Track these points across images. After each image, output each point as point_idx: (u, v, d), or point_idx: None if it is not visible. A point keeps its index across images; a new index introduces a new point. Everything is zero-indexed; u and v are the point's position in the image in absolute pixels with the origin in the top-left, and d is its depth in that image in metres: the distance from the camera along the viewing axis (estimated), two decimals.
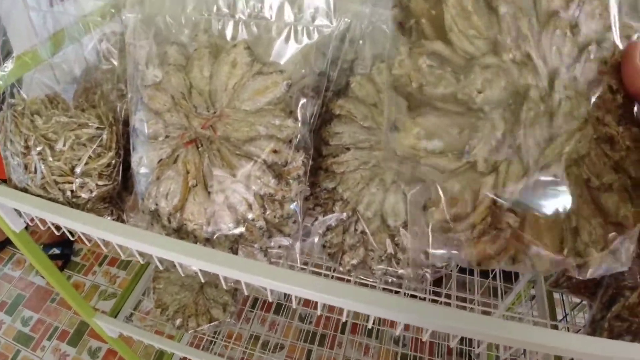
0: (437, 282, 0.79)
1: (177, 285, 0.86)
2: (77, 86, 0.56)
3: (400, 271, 0.54)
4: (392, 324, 1.29)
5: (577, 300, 0.82)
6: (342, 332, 1.19)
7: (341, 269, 0.56)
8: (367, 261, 0.55)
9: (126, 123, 0.55)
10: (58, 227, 0.61)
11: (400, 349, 1.21)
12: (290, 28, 0.46)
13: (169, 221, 0.50)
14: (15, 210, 0.61)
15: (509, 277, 0.96)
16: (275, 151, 0.46)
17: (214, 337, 1.01)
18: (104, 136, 0.54)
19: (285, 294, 0.47)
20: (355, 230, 0.53)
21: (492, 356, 1.08)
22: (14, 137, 0.55)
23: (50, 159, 0.54)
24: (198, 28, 0.50)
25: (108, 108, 0.55)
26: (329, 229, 0.55)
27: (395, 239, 0.52)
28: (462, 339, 1.12)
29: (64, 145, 0.54)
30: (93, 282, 1.45)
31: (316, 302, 0.46)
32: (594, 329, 0.52)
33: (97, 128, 0.54)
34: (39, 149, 0.54)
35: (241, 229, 0.48)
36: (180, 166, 0.48)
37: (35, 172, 0.55)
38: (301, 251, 0.54)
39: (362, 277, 0.56)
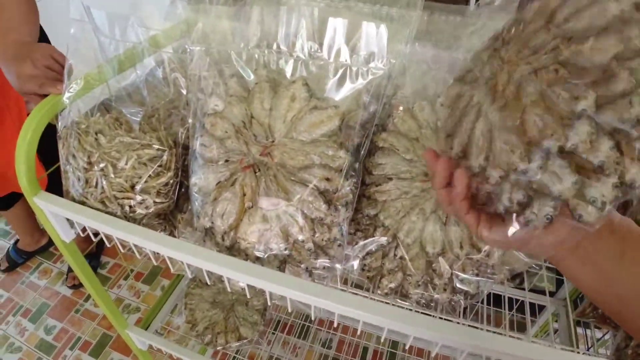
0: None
1: (208, 302, 0.89)
2: (143, 109, 0.61)
3: (436, 296, 0.56)
4: (419, 353, 1.29)
5: (599, 335, 0.83)
6: (363, 358, 1.20)
7: (379, 292, 0.59)
8: (404, 285, 0.58)
9: (184, 147, 0.59)
10: (109, 239, 0.65)
11: None
12: (345, 69, 0.51)
13: (223, 239, 0.54)
14: (68, 220, 0.66)
15: (534, 311, 0.97)
16: (327, 179, 0.49)
17: (235, 355, 1.03)
18: (165, 157, 0.58)
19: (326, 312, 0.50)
20: (395, 255, 0.56)
21: None
22: (77, 153, 0.60)
23: (112, 175, 0.58)
24: (258, 63, 0.55)
25: (168, 132, 0.60)
26: (368, 253, 0.58)
27: (433, 265, 0.55)
28: None
29: (126, 163, 0.58)
30: (118, 295, 1.48)
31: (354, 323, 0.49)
32: (619, 357, 0.53)
33: (158, 149, 0.59)
34: (101, 165, 0.59)
35: (291, 250, 0.51)
36: (238, 189, 0.52)
37: (96, 186, 0.59)
38: (342, 273, 0.57)
39: (399, 300, 0.59)
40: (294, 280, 0.49)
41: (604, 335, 0.82)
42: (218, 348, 0.85)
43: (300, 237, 0.50)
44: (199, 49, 0.57)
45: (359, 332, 0.55)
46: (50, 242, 1.61)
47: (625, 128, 0.29)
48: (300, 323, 1.25)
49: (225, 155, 0.53)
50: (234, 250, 0.54)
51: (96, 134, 0.61)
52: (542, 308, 0.98)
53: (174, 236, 0.63)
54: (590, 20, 0.31)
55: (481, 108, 0.37)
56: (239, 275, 0.50)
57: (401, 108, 0.58)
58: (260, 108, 0.52)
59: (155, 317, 0.92)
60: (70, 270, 1.57)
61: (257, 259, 0.53)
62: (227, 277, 0.54)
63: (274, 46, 0.54)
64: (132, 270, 1.57)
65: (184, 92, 0.56)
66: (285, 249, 0.51)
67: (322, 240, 0.51)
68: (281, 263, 0.53)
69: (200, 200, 0.55)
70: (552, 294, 0.95)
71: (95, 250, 1.59)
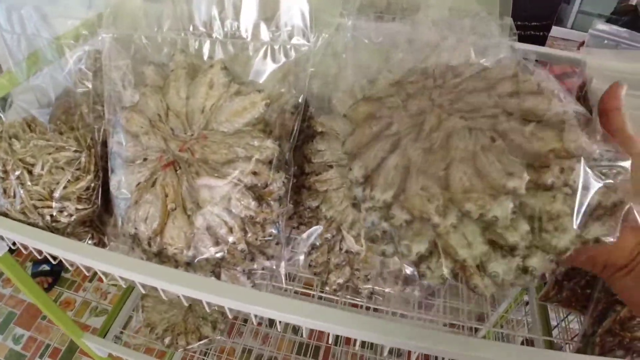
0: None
1: (165, 303, 0.85)
2: (53, 109, 0.55)
3: (387, 290, 0.53)
4: None
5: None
6: (336, 344, 1.18)
7: (327, 288, 0.55)
8: (353, 280, 0.54)
9: (105, 144, 0.54)
10: (40, 251, 0.60)
11: None
12: (267, 47, 0.46)
13: (149, 245, 0.49)
14: None
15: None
16: (254, 173, 0.45)
17: (206, 351, 1.00)
18: (82, 159, 0.53)
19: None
20: (340, 249, 0.52)
21: None
22: None
23: (29, 183, 0.53)
24: (175, 47, 0.49)
25: (86, 130, 0.54)
26: (313, 248, 0.54)
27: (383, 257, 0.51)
28: None
29: (42, 169, 0.53)
30: (84, 298, 1.43)
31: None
32: (586, 344, 0.51)
33: (75, 151, 0.53)
34: (17, 173, 0.53)
35: (222, 253, 0.47)
36: (159, 189, 0.47)
37: (15, 196, 0.53)
38: (287, 271, 0.53)
39: (349, 297, 0.55)
40: (226, 287, 0.44)
41: (567, 315, 0.80)
42: (179, 350, 0.81)
43: (231, 239, 0.46)
44: (110, 36, 0.50)
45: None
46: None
47: (543, 219, 0.30)
48: None
49: (143, 153, 0.48)
50: (162, 256, 0.49)
51: (10, 138, 0.55)
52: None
53: (104, 243, 0.58)
54: (534, 105, 0.33)
55: (400, 141, 0.35)
56: (169, 285, 0.45)
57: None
58: (177, 98, 0.46)
59: (113, 323, 0.88)
60: (33, 276, 1.51)
61: (188, 265, 0.48)
62: (160, 287, 0.49)
63: (190, 27, 0.48)
64: (96, 273, 1.52)
65: (90, 85, 0.50)
66: (217, 253, 0.47)
67: (257, 240, 0.47)
68: (214, 267, 0.49)
69: (122, 204, 0.50)
70: None
71: None
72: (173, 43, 0.49)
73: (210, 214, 0.45)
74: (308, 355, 1.13)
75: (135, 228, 0.48)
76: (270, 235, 0.47)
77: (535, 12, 0.95)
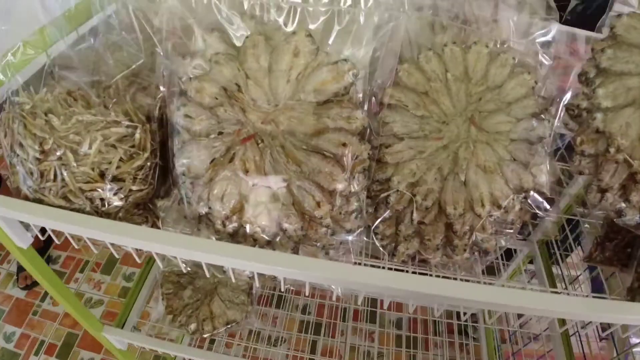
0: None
1: (188, 289, 0.81)
2: (100, 78, 0.50)
3: (456, 257, 0.54)
4: (398, 308, 1.31)
5: (573, 274, 0.88)
6: (344, 320, 1.19)
7: (395, 260, 0.55)
8: (421, 251, 0.54)
9: (160, 120, 0.49)
10: (77, 239, 0.55)
11: (404, 332, 1.24)
12: (352, 14, 0.44)
13: (224, 225, 0.46)
14: (22, 223, 0.54)
15: (509, 255, 1.00)
16: (344, 144, 0.43)
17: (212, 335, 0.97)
18: (137, 135, 0.48)
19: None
20: (412, 221, 0.52)
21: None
22: (24, 141, 0.48)
23: (74, 164, 0.47)
24: (243, 13, 0.46)
25: (135, 104, 0.50)
26: (382, 220, 0.54)
27: (454, 227, 0.51)
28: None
29: (90, 147, 0.48)
30: (77, 290, 1.34)
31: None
32: (633, 296, 0.55)
33: (129, 126, 0.49)
34: (59, 153, 0.47)
35: (305, 230, 0.45)
36: (238, 165, 0.44)
37: (55, 179, 0.48)
38: (354, 246, 0.53)
39: (418, 267, 0.56)
40: (314, 263, 0.43)
41: (579, 275, 0.86)
42: (205, 335, 0.79)
43: (318, 213, 0.44)
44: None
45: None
46: None
47: None
48: (275, 294, 1.21)
49: (217, 127, 0.45)
50: (238, 236, 0.47)
51: (46, 114, 0.49)
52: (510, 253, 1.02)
53: (158, 227, 0.54)
54: None
55: None
56: (251, 264, 0.43)
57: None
58: (257, 67, 0.44)
59: (130, 312, 0.83)
60: (20, 270, 1.38)
61: (268, 243, 0.47)
62: (231, 267, 0.47)
63: None
64: (87, 262, 1.42)
65: (159, 51, 0.46)
66: (302, 228, 0.45)
67: (340, 214, 0.46)
68: (296, 244, 0.48)
69: (189, 184, 0.47)
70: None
71: (42, 243, 1.41)
72: (243, 8, 0.46)
73: (298, 188, 0.44)
74: (319, 334, 1.13)
75: (209, 207, 0.46)
76: (354, 210, 0.47)
77: None
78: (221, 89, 0.44)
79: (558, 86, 0.55)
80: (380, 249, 0.54)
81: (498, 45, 0.53)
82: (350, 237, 0.49)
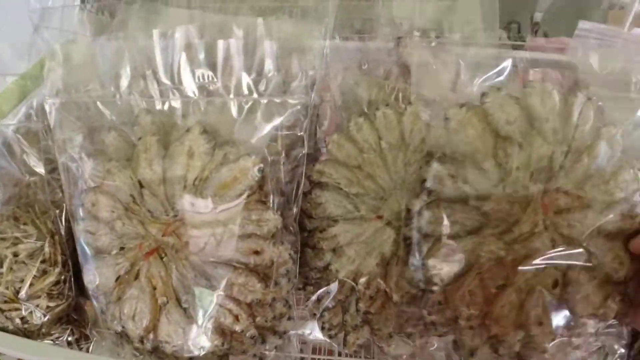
0: None
1: None
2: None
3: (412, 343, 0.48)
4: None
5: None
6: None
7: (346, 350, 0.49)
8: (375, 340, 0.49)
9: (71, 229, 0.46)
10: None
11: None
12: (253, 104, 0.39)
13: (142, 342, 0.42)
14: None
15: None
16: (256, 252, 0.38)
17: None
18: (46, 249, 0.45)
19: None
20: (358, 310, 0.46)
21: None
22: None
23: None
24: (139, 108, 0.42)
25: (42, 213, 0.46)
26: (325, 310, 0.48)
27: (404, 313, 0.46)
28: None
29: (1, 266, 0.45)
30: None
31: None
32: None
33: (36, 240, 0.45)
34: None
35: (229, 343, 0.41)
36: (144, 282, 0.40)
37: None
38: (299, 340, 0.48)
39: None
40: None
41: None
42: None
43: (238, 328, 0.40)
44: (58, 101, 0.42)
45: None
46: None
47: None
48: None
49: (118, 242, 0.40)
50: (159, 352, 0.42)
51: None
52: None
53: (86, 337, 0.50)
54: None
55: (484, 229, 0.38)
56: None
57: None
58: (151, 173, 0.39)
59: None
60: None
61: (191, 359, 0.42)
62: None
63: (154, 85, 0.41)
64: None
65: (41, 170, 0.42)
66: (223, 344, 0.40)
67: (267, 322, 0.41)
68: (222, 358, 0.43)
69: (102, 300, 0.43)
70: None
71: None
72: (136, 103, 0.42)
73: (211, 304, 0.39)
74: None
75: (123, 327, 0.41)
76: (281, 314, 0.42)
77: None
78: (117, 201, 0.40)
79: None
80: (327, 339, 0.49)
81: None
82: (281, 341, 0.43)
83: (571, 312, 0.35)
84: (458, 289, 0.36)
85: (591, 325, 0.36)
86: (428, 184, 0.38)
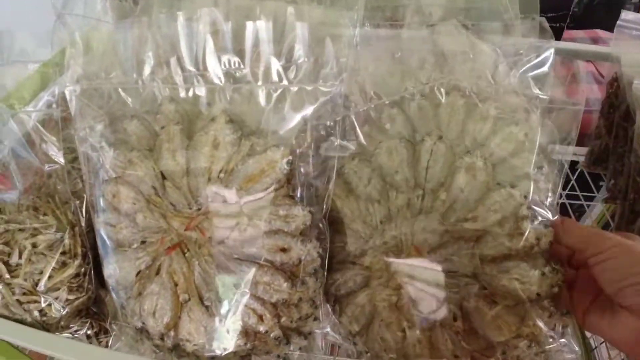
0: None
1: None
2: (18, 182, 0.45)
3: None
4: None
5: None
6: None
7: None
8: None
9: (88, 223, 0.44)
10: None
11: None
12: (283, 91, 0.36)
13: (163, 339, 0.40)
14: None
15: None
16: (283, 249, 0.36)
17: None
18: (66, 241, 0.43)
19: None
20: None
21: None
22: None
23: (7, 276, 0.43)
24: (162, 96, 0.40)
25: (62, 203, 0.45)
26: None
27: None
28: None
29: (20, 257, 0.43)
30: None
31: None
32: None
33: (56, 231, 0.44)
34: None
35: (253, 343, 0.39)
36: (166, 278, 0.38)
37: None
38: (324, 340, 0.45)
39: None
40: None
41: None
42: None
43: (262, 328, 0.37)
44: (77, 88, 0.41)
45: None
46: None
47: None
48: None
49: (139, 236, 0.39)
50: (179, 351, 0.41)
51: None
52: None
53: (106, 330, 0.49)
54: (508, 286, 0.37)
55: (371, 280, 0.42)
56: None
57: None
58: (173, 164, 0.37)
59: None
60: None
61: (212, 359, 0.40)
62: None
63: (178, 70, 0.39)
64: None
65: (61, 159, 0.41)
66: (246, 344, 0.38)
67: (292, 322, 0.39)
68: (244, 358, 0.41)
69: (122, 295, 0.41)
70: None
71: None
72: (159, 90, 0.40)
73: (235, 303, 0.37)
74: None
75: (143, 322, 0.40)
76: (307, 315, 0.39)
77: (551, 1, 0.87)
78: (138, 193, 0.38)
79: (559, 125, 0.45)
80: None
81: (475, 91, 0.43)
82: (307, 342, 0.41)
83: (487, 340, 0.37)
84: (371, 338, 0.39)
85: (524, 345, 0.36)
86: None
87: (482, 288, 0.37)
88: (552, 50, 0.45)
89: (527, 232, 0.36)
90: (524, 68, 0.45)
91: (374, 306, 0.40)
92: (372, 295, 0.40)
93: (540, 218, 0.37)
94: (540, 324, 0.36)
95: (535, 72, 0.45)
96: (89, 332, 0.48)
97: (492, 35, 0.48)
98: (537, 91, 0.45)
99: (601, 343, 0.57)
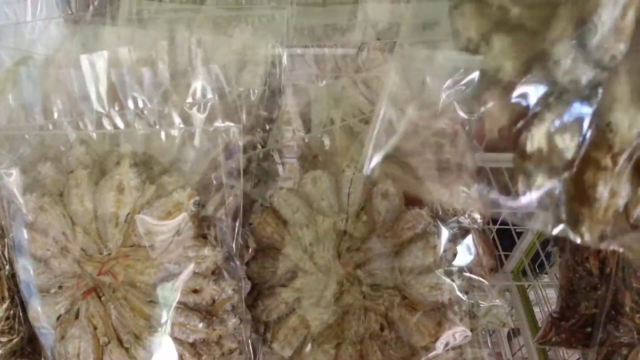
0: None
1: None
2: None
3: None
4: None
5: None
6: None
7: None
8: None
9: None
10: None
11: None
12: (185, 132, 0.36)
13: None
14: None
15: None
16: (195, 291, 0.36)
17: None
18: None
19: None
20: None
21: None
22: None
23: None
24: (72, 137, 0.39)
25: None
26: None
27: None
28: None
29: None
30: None
31: None
32: None
33: None
34: None
35: None
36: (85, 322, 0.38)
37: None
38: None
39: None
40: None
41: None
42: None
43: None
44: None
45: None
46: None
47: None
48: None
49: (56, 281, 0.39)
50: None
51: None
52: None
53: None
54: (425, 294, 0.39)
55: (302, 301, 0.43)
56: None
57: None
58: (82, 209, 0.37)
59: None
60: None
61: None
62: None
63: (87, 111, 0.38)
64: None
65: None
66: None
67: (214, 359, 0.39)
68: None
69: (48, 337, 0.41)
70: None
71: None
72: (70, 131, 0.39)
73: (156, 345, 0.37)
74: None
75: None
76: (230, 350, 0.39)
77: None
78: (51, 239, 0.38)
79: None
80: None
81: None
82: None
83: (412, 347, 0.39)
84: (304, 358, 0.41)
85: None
86: None
87: (404, 298, 0.40)
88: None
89: (437, 246, 0.39)
90: (456, 85, 0.45)
91: (308, 326, 0.41)
92: (304, 317, 0.41)
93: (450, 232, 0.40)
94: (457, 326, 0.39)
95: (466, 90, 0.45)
96: None
97: (419, 51, 0.47)
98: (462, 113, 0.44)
99: None
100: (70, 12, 0.56)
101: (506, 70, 0.30)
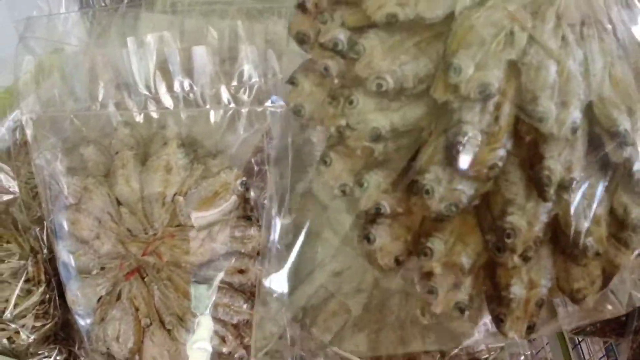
0: None
1: None
2: None
3: None
4: None
5: None
6: None
7: None
8: None
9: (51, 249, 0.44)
10: None
11: None
12: (233, 114, 0.36)
13: None
14: None
15: None
16: (241, 271, 0.36)
17: None
18: (29, 268, 0.43)
19: None
20: None
21: None
22: None
23: None
24: (117, 120, 0.40)
25: (24, 230, 0.45)
26: None
27: None
28: None
29: None
30: None
31: None
32: None
33: (19, 259, 0.44)
34: None
35: None
36: (127, 303, 0.38)
37: None
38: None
39: None
40: None
41: None
42: None
43: (225, 349, 0.37)
44: (32, 116, 0.41)
45: None
46: None
47: None
48: None
49: (98, 262, 0.39)
50: None
51: None
52: None
53: (75, 356, 0.48)
54: None
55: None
56: None
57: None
58: (128, 189, 0.37)
59: None
60: None
61: None
62: None
63: (130, 93, 0.39)
64: None
65: (15, 189, 0.41)
66: None
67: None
68: None
69: (87, 321, 0.41)
70: None
71: None
72: (113, 115, 0.40)
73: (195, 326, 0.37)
74: None
75: (108, 348, 0.40)
76: (271, 334, 0.39)
77: None
78: (95, 219, 0.38)
79: None
80: None
81: None
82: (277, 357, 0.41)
83: (451, 332, 0.38)
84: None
85: None
86: None
87: None
88: None
89: None
90: None
91: (347, 311, 0.40)
92: (343, 301, 0.40)
93: None
94: None
95: None
96: (58, 357, 0.48)
97: None
98: None
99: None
100: (104, 4, 0.57)
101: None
